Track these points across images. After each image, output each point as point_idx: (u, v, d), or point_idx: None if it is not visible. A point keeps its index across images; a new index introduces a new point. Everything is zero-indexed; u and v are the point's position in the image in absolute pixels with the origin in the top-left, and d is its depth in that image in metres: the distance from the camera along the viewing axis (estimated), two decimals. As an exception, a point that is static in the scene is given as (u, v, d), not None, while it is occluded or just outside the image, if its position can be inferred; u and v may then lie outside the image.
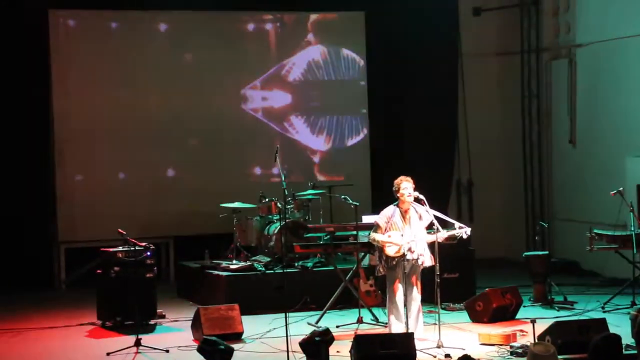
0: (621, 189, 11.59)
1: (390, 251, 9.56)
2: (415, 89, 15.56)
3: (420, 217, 9.61)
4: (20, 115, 13.89)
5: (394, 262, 9.57)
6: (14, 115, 13.82)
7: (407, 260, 9.45)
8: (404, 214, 9.61)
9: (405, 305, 9.61)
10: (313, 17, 15.25)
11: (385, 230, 9.60)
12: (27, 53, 13.93)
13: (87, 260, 13.36)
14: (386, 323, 10.01)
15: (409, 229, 9.55)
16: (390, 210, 9.68)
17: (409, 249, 9.45)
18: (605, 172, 13.90)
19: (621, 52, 13.83)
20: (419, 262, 9.56)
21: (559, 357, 5.39)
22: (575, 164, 14.87)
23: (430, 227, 9.64)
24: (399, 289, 9.59)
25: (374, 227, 9.76)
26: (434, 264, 9.51)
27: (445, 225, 9.73)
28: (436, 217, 9.53)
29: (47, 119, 14.12)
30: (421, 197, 9.58)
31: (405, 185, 9.54)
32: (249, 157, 14.83)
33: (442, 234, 9.49)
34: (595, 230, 11.76)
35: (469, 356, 5.86)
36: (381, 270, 9.73)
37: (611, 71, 14.11)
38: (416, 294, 9.65)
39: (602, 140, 14.24)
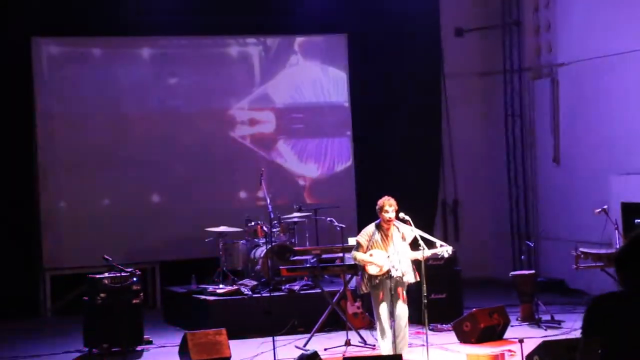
0: (605, 207, 11.63)
1: (373, 270, 9.54)
2: (399, 109, 15.61)
3: (403, 237, 9.60)
4: (4, 141, 13.86)
5: (377, 281, 9.54)
6: (-2, 141, 13.79)
7: (391, 277, 9.42)
8: (385, 232, 9.61)
9: (390, 326, 9.56)
10: (296, 40, 15.30)
11: (367, 248, 9.59)
12: (10, 80, 13.92)
13: (72, 287, 13.30)
14: (374, 345, 9.98)
15: (392, 247, 9.53)
16: (371, 229, 9.66)
17: (392, 266, 9.43)
18: (589, 190, 13.94)
19: (603, 70, 13.91)
20: (404, 279, 9.54)
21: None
22: (560, 183, 14.92)
23: (414, 247, 9.63)
24: (384, 308, 9.56)
25: (355, 245, 9.74)
26: (417, 280, 9.49)
27: (428, 244, 9.73)
28: (419, 237, 9.53)
29: (31, 145, 14.09)
30: (407, 218, 9.58)
31: (387, 209, 9.51)
32: (234, 181, 14.82)
33: (427, 252, 9.48)
34: (581, 249, 11.79)
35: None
36: (363, 289, 9.70)
37: (594, 89, 14.18)
38: (403, 309, 9.59)
39: (586, 159, 14.29)
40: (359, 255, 9.59)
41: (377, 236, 9.59)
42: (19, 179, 14.00)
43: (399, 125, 15.63)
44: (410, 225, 9.56)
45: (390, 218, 9.50)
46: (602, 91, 13.99)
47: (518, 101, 15.83)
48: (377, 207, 9.60)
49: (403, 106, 15.63)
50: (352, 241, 11.08)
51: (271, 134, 15.15)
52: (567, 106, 14.81)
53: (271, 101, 15.14)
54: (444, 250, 9.60)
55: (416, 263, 9.57)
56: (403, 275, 9.50)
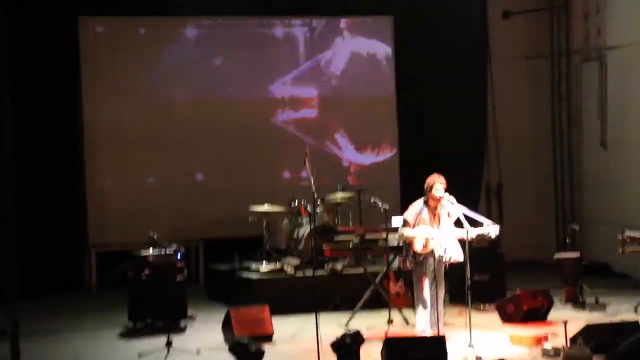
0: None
1: (418, 246, 9.53)
2: (446, 92, 15.51)
3: (448, 214, 9.58)
4: (51, 121, 13.99)
5: (421, 258, 9.54)
6: (45, 121, 13.92)
7: (435, 256, 9.41)
8: (432, 210, 9.59)
9: (432, 304, 9.59)
10: (342, 21, 15.25)
11: (414, 226, 9.59)
12: (58, 59, 14.03)
13: (117, 264, 13.44)
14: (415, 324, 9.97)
15: (438, 225, 9.53)
16: (418, 206, 9.65)
17: (437, 244, 9.42)
18: (636, 173, 13.80)
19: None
20: (447, 257, 9.52)
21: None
22: (606, 166, 14.77)
23: (458, 225, 9.60)
24: (426, 284, 9.56)
25: (402, 223, 9.74)
26: (462, 259, 9.45)
27: (474, 224, 9.69)
28: (465, 216, 9.50)
29: (78, 125, 14.23)
30: (452, 199, 9.55)
31: (438, 187, 9.51)
32: (278, 160, 14.84)
33: (472, 231, 9.44)
34: (627, 233, 11.68)
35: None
36: (408, 265, 9.69)
37: (641, 73, 14.03)
38: (441, 291, 9.63)
39: (633, 142, 14.13)
40: (406, 232, 9.59)
41: (425, 214, 9.58)
42: (66, 157, 14.15)
43: (445, 108, 15.54)
44: (454, 204, 9.54)
45: (440, 196, 9.48)
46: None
47: (565, 84, 15.68)
48: (426, 185, 9.58)
49: (449, 89, 15.52)
50: (395, 221, 11.05)
51: (315, 117, 15.12)
52: (614, 90, 14.64)
53: (316, 83, 15.10)
54: (491, 229, 9.49)
55: (461, 242, 9.54)
56: (447, 252, 9.48)
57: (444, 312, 9.94)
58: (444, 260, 9.54)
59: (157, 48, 14.54)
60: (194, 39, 14.74)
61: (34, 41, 13.84)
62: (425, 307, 9.57)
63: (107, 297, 13.10)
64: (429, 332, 9.54)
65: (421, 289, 9.59)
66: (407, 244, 9.67)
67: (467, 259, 9.38)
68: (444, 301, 9.97)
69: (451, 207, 9.55)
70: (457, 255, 9.57)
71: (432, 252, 9.45)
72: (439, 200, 9.50)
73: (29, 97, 13.62)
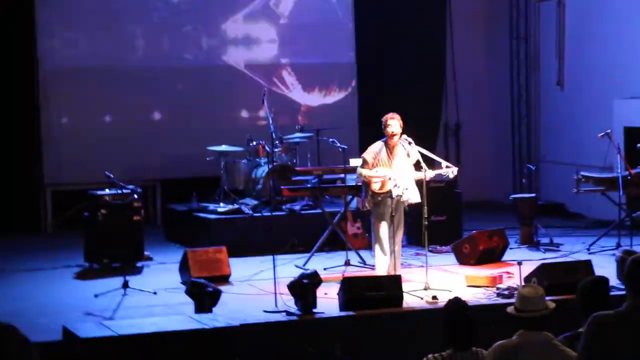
0: (609, 131, 11.57)
1: (376, 187, 9.57)
2: (403, 30, 15.43)
3: (408, 155, 9.60)
4: (4, 56, 13.72)
5: (380, 198, 9.58)
6: (-2, 57, 13.68)
7: (392, 196, 9.45)
8: (391, 149, 9.61)
9: (388, 244, 9.65)
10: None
11: (373, 166, 9.62)
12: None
13: (73, 203, 13.34)
14: (373, 265, 10.03)
15: (396, 165, 9.56)
16: (377, 146, 9.68)
17: (395, 185, 9.46)
18: (593, 114, 13.88)
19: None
20: (405, 197, 9.57)
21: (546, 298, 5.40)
22: (563, 107, 14.85)
23: (417, 167, 9.63)
24: (384, 225, 9.60)
25: (361, 162, 9.76)
26: (420, 201, 9.52)
27: (432, 164, 9.73)
28: (423, 156, 9.52)
29: (32, 60, 13.95)
30: (409, 139, 9.57)
31: (391, 123, 9.52)
32: (236, 100, 14.72)
33: (430, 173, 9.49)
34: (583, 173, 11.79)
35: (459, 298, 5.86)
36: (367, 205, 9.73)
37: (600, 13, 14.02)
38: (399, 231, 9.69)
39: (590, 83, 14.20)
40: (364, 172, 9.62)
41: (383, 154, 9.60)
42: (20, 94, 13.91)
43: (402, 46, 15.48)
44: (412, 146, 9.55)
45: (393, 132, 9.50)
46: (609, 15, 13.82)
47: (523, 23, 15.66)
48: (382, 123, 9.59)
49: (407, 27, 15.44)
50: (353, 162, 11.06)
51: (269, 56, 14.95)
52: (572, 29, 14.65)
53: (273, 18, 14.93)
54: (449, 171, 9.56)
55: (418, 184, 9.58)
56: (405, 193, 9.52)
57: (402, 253, 10.01)
58: (402, 200, 9.57)
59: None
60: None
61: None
62: (383, 249, 9.62)
63: (62, 237, 13.02)
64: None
65: (378, 230, 9.62)
66: (366, 183, 9.69)
67: (424, 200, 9.42)
68: (402, 242, 10.03)
69: (410, 148, 9.57)
70: (414, 196, 9.61)
71: (389, 193, 9.47)
72: (394, 135, 9.50)
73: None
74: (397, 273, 9.39)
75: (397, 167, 9.58)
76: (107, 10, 14.19)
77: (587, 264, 9.32)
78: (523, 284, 8.91)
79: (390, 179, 9.53)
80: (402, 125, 9.56)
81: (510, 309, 5.37)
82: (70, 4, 14.05)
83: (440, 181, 9.88)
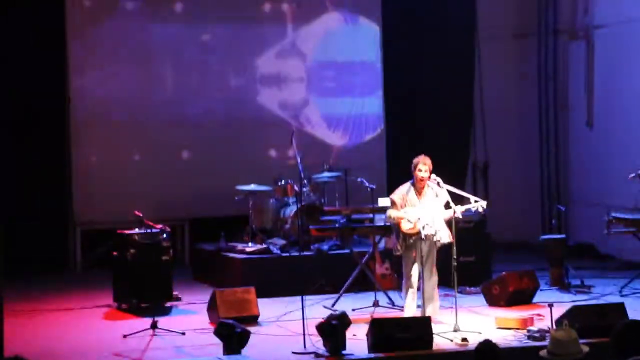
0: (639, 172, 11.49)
1: (406, 226, 9.55)
2: (431, 69, 15.45)
3: (436, 195, 9.60)
4: (37, 95, 13.84)
5: (411, 241, 9.56)
6: (30, 95, 13.77)
7: (424, 237, 9.43)
8: (419, 191, 9.62)
9: (419, 287, 9.61)
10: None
11: (401, 207, 9.64)
12: (44, 33, 13.87)
13: (103, 243, 13.37)
14: (402, 306, 9.98)
15: (424, 206, 9.55)
16: (405, 187, 9.70)
17: (424, 225, 9.43)
18: (622, 154, 13.80)
19: (639, 33, 13.70)
20: (437, 237, 9.54)
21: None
22: (593, 146, 14.77)
23: (447, 207, 9.62)
24: (415, 269, 9.58)
25: (389, 204, 9.76)
26: (451, 240, 9.48)
27: (461, 200, 9.71)
28: (451, 193, 9.51)
29: (64, 100, 14.08)
30: (438, 179, 9.58)
31: (421, 168, 9.56)
32: (264, 139, 14.75)
33: (459, 208, 9.48)
34: (613, 214, 11.70)
35: (490, 341, 5.80)
36: (399, 248, 9.70)
37: (629, 52, 13.99)
38: (433, 275, 9.65)
39: (619, 123, 14.13)
40: (393, 213, 9.62)
41: (412, 195, 9.61)
42: (51, 133, 14.01)
43: (432, 85, 15.49)
44: (441, 186, 9.55)
45: (423, 177, 9.51)
46: (637, 54, 13.78)
47: (552, 63, 15.65)
48: (412, 166, 9.61)
49: (436, 66, 15.47)
50: (382, 202, 11.04)
51: (302, 94, 15.01)
52: (601, 69, 14.62)
53: (302, 57, 14.98)
54: (478, 205, 9.56)
55: (448, 224, 9.55)
56: (436, 233, 9.49)
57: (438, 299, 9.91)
58: (434, 240, 9.54)
59: (144, 22, 14.35)
60: (182, 14, 14.58)
61: (21, 15, 13.67)
62: (413, 294, 9.58)
63: (91, 276, 13.05)
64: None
65: (409, 275, 9.58)
66: (396, 226, 9.67)
67: (453, 240, 9.38)
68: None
69: (438, 189, 9.57)
70: (444, 237, 9.59)
71: (420, 235, 9.44)
72: (423, 180, 9.54)
73: (15, 68, 13.52)
74: (435, 316, 9.35)
75: (425, 207, 9.56)
76: (138, 48, 14.31)
77: (620, 307, 9.22)
78: (554, 326, 8.83)
79: (419, 219, 9.51)
80: (431, 169, 9.57)
81: (543, 353, 5.32)
82: (102, 41, 14.18)
83: (469, 221, 9.87)
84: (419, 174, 9.56)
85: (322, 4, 15.13)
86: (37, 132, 13.87)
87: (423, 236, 9.45)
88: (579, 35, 15.25)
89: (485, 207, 9.60)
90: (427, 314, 9.41)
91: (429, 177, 9.57)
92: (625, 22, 14.00)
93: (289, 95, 14.95)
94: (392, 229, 9.88)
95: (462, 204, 9.65)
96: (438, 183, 9.57)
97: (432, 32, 15.39)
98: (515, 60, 16.25)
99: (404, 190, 9.69)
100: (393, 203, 9.69)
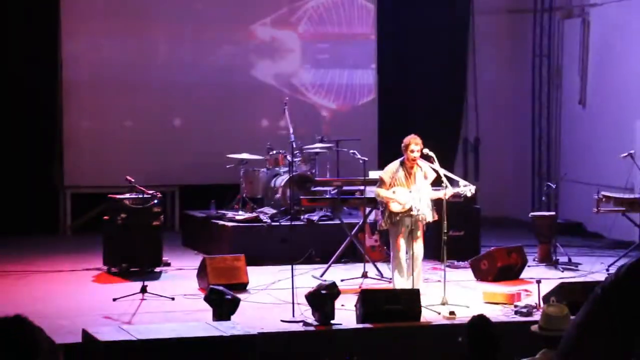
0: (632, 151, 11.53)
1: (395, 207, 9.57)
2: (425, 43, 15.44)
3: (425, 175, 9.61)
4: (29, 59, 13.80)
5: (397, 218, 9.58)
6: (22, 58, 13.74)
7: (411, 215, 9.46)
8: (409, 170, 9.61)
9: (407, 261, 9.66)
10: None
11: (390, 185, 9.61)
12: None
13: (92, 206, 13.38)
14: (390, 279, 10.02)
15: (414, 185, 9.56)
16: (394, 166, 9.68)
17: (413, 204, 9.46)
18: (615, 134, 13.84)
19: (635, 12, 13.70)
20: (421, 217, 9.58)
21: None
22: (585, 125, 14.80)
23: (436, 184, 9.64)
24: (402, 245, 9.61)
25: (378, 182, 9.77)
26: (436, 219, 9.52)
27: (450, 183, 9.73)
28: (441, 176, 9.52)
29: (56, 64, 14.03)
30: (431, 154, 9.57)
31: (414, 148, 9.49)
32: (257, 108, 14.74)
33: (448, 191, 9.50)
34: (603, 192, 11.75)
35: (484, 315, 5.85)
36: (383, 225, 9.74)
37: (624, 32, 13.99)
38: (419, 247, 9.68)
39: (612, 102, 14.16)
40: (382, 192, 9.62)
41: (401, 174, 9.60)
42: (42, 97, 13.99)
43: (424, 59, 15.48)
44: (434, 161, 9.55)
45: (415, 157, 9.50)
46: (633, 34, 13.79)
47: (547, 41, 15.64)
48: (402, 145, 9.59)
49: (430, 42, 15.45)
50: (373, 174, 11.06)
51: (296, 64, 14.99)
52: (596, 48, 14.62)
53: (296, 28, 14.95)
54: (467, 189, 9.60)
55: (437, 201, 9.58)
56: (423, 213, 9.52)
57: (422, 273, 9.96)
58: (420, 218, 9.56)
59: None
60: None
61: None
62: (400, 271, 9.62)
63: (81, 239, 13.05)
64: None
65: (397, 250, 9.62)
66: (383, 204, 9.70)
67: (443, 215, 9.42)
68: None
69: (427, 169, 9.58)
70: (428, 216, 9.62)
71: (408, 211, 9.47)
72: (414, 160, 9.52)
73: (5, 32, 13.48)
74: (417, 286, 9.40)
75: (414, 187, 9.57)
76: (131, 15, 14.26)
77: (606, 284, 9.26)
78: (541, 302, 8.89)
79: (407, 202, 9.50)
80: (421, 148, 9.53)
81: (534, 328, 5.36)
82: (95, 6, 14.11)
83: (460, 197, 9.90)
84: (411, 155, 9.49)
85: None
86: (28, 97, 13.81)
87: (413, 213, 9.48)
88: (574, 13, 15.24)
89: (473, 191, 9.64)
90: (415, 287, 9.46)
91: (420, 155, 9.56)
92: (621, 1, 13.99)
93: (282, 65, 14.93)
94: (379, 204, 9.89)
95: (451, 186, 9.67)
96: (432, 158, 9.55)
97: (427, 6, 15.36)
98: (510, 36, 16.24)
99: (394, 169, 9.66)
100: (382, 181, 9.67)
